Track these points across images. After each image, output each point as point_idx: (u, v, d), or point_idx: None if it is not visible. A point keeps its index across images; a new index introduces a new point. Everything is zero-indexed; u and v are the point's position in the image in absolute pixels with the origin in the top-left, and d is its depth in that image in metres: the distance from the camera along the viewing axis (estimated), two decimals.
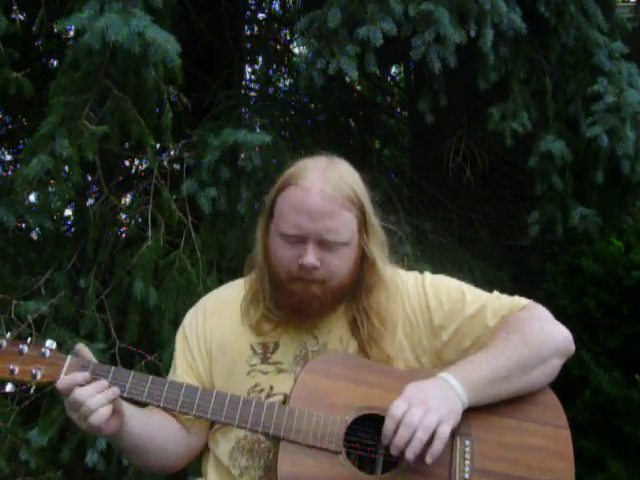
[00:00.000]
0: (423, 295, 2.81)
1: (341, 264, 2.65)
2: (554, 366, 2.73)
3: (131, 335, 4.35)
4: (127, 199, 5.19)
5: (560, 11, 4.88)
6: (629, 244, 5.79)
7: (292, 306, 2.70)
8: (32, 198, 4.33)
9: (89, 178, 4.60)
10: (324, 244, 2.61)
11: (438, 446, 2.47)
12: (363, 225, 2.70)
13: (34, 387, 2.51)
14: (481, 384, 2.60)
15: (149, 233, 4.41)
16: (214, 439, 2.83)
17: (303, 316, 2.73)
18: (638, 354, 5.29)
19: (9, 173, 6.10)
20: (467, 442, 2.60)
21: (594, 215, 5.14)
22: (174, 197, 4.57)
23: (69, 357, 2.54)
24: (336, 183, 2.64)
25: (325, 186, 2.62)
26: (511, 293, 2.86)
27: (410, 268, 3.53)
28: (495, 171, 6.48)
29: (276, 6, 7.87)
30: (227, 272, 4.44)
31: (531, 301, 2.83)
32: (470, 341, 2.75)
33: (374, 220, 2.76)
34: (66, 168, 4.01)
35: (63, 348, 3.94)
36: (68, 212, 5.11)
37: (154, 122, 4.18)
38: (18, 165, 6.61)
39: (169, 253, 4.51)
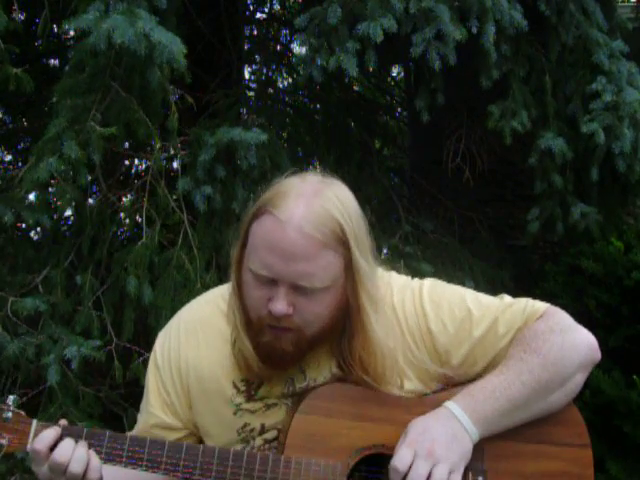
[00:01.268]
0: (423, 317, 2.48)
1: (320, 311, 2.31)
2: (577, 382, 2.48)
3: (128, 332, 4.33)
4: (125, 197, 5.16)
5: (560, 10, 4.87)
6: (629, 244, 5.79)
7: (262, 359, 2.37)
8: (31, 197, 4.34)
9: (88, 178, 4.57)
10: (298, 289, 2.26)
11: None
12: (350, 263, 2.32)
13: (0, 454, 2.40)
14: (493, 416, 2.38)
15: (144, 231, 4.38)
16: None
17: (280, 368, 2.41)
18: (638, 354, 5.29)
19: (12, 172, 6.06)
20: (480, 478, 2.41)
21: (595, 213, 5.11)
22: (174, 197, 4.56)
23: (34, 421, 2.31)
24: (319, 218, 2.25)
25: (304, 222, 2.23)
26: (512, 293, 2.67)
27: (411, 268, 3.47)
28: (495, 171, 6.48)
29: (276, 6, 7.88)
30: (224, 270, 4.43)
31: (549, 306, 2.52)
32: (483, 363, 2.48)
33: (364, 255, 2.38)
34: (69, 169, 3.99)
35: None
36: (68, 212, 5.09)
37: (159, 122, 4.17)
38: (19, 165, 6.63)
39: (166, 250, 4.48)
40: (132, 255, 4.30)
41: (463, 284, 2.80)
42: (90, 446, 2.29)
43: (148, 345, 4.22)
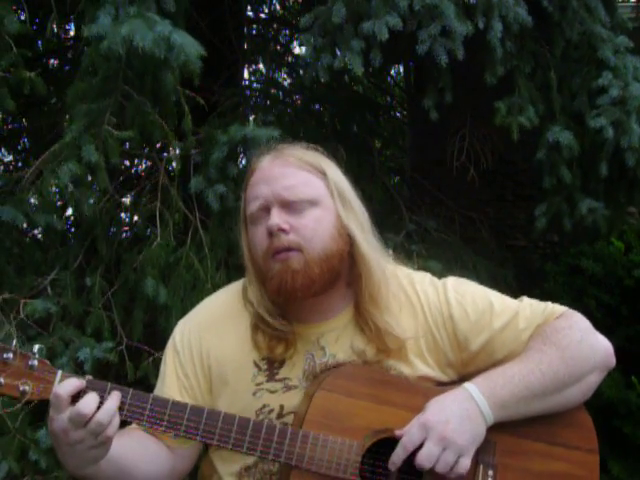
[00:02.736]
0: (445, 304, 2.57)
1: (315, 227, 2.43)
2: (591, 383, 2.53)
3: (138, 333, 4.31)
4: (134, 197, 5.13)
5: (563, 6, 4.85)
6: (629, 244, 5.81)
7: (276, 291, 2.42)
8: (32, 200, 4.31)
9: (89, 178, 4.54)
10: (288, 206, 2.43)
11: (453, 478, 2.36)
12: (335, 193, 2.51)
13: (23, 402, 2.35)
14: (510, 401, 2.42)
15: (158, 231, 4.35)
16: (219, 455, 2.61)
17: (292, 299, 2.44)
18: (638, 355, 5.28)
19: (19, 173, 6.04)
20: (490, 472, 2.45)
21: (602, 208, 5.06)
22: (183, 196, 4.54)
23: (59, 372, 2.28)
24: (291, 152, 2.56)
25: (276, 156, 2.54)
26: (515, 292, 2.73)
27: (418, 265, 3.46)
28: (495, 171, 6.48)
29: (276, 6, 7.89)
30: (235, 269, 4.40)
31: (568, 309, 2.61)
32: (502, 355, 2.52)
33: (349, 195, 2.56)
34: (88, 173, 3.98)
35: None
36: (69, 212, 5.07)
37: (174, 124, 4.16)
38: (19, 165, 6.61)
39: (176, 250, 4.44)
40: (147, 256, 4.27)
41: None
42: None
43: (158, 345, 4.20)
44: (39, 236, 5.05)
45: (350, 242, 2.50)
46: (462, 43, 4.32)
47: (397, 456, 2.35)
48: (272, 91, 7.00)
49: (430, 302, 2.58)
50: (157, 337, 4.25)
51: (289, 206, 2.43)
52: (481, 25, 4.37)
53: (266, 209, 2.44)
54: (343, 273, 2.54)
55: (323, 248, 2.43)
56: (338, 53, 4.39)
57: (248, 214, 2.51)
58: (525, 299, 2.64)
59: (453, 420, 2.35)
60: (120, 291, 4.41)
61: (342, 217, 2.49)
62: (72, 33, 6.24)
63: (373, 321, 2.51)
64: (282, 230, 2.40)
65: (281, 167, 2.49)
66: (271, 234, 2.41)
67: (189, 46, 3.74)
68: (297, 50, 7.70)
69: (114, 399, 2.24)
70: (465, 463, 2.35)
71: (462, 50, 4.33)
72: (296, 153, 2.54)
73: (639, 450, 5.09)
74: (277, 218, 2.40)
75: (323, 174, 2.51)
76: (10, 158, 7.00)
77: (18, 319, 3.92)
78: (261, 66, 7.81)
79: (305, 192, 2.45)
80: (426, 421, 2.35)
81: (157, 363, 4.10)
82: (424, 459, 2.31)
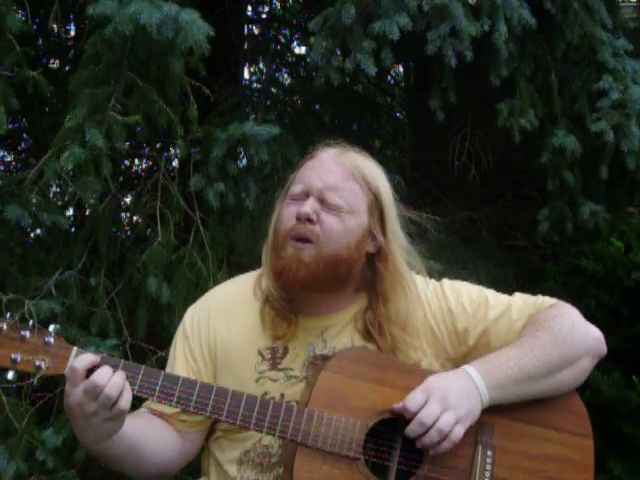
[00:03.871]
0: (444, 300, 2.73)
1: (339, 228, 2.55)
2: (584, 368, 2.67)
3: (142, 331, 4.32)
4: (136, 197, 5.12)
5: (564, 8, 4.86)
6: (629, 244, 5.80)
7: (279, 273, 2.57)
8: (33, 199, 4.29)
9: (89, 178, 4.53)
10: (325, 203, 2.57)
11: (447, 446, 2.44)
12: (377, 212, 2.65)
13: (38, 377, 2.37)
14: (506, 383, 2.54)
15: (159, 230, 4.35)
16: (218, 444, 2.72)
17: (290, 287, 2.58)
18: (638, 355, 5.29)
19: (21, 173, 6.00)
20: (489, 452, 2.55)
21: (603, 211, 5.09)
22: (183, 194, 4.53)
23: (75, 348, 2.39)
24: (353, 158, 2.67)
25: (339, 156, 2.67)
26: (515, 291, 2.80)
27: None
28: (495, 171, 6.48)
29: (277, 5, 7.91)
30: (237, 267, 4.41)
31: (558, 300, 2.76)
32: (497, 345, 2.67)
33: (393, 218, 2.71)
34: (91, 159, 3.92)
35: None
36: (69, 212, 5.05)
37: (180, 113, 4.17)
38: (19, 165, 6.60)
39: (178, 249, 4.46)
40: (149, 255, 4.27)
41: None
42: (126, 377, 2.36)
43: (161, 344, 4.22)
44: (42, 236, 5.04)
45: (370, 259, 2.66)
46: (470, 44, 4.33)
47: (407, 411, 2.44)
48: (272, 90, 7.02)
49: (429, 299, 2.74)
50: (161, 336, 4.27)
51: (325, 203, 2.57)
52: (486, 27, 4.39)
53: (305, 195, 2.59)
54: (351, 281, 2.68)
55: (335, 250, 2.55)
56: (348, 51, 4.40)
57: (290, 191, 2.66)
58: (517, 294, 2.79)
59: (453, 390, 2.46)
60: (124, 291, 4.42)
61: (378, 234, 2.64)
62: (73, 33, 6.23)
63: (392, 336, 2.65)
64: (309, 220, 2.54)
65: (337, 166, 2.63)
66: (299, 219, 2.55)
67: (198, 25, 3.77)
68: (297, 50, 7.78)
69: (120, 374, 2.33)
70: (460, 431, 2.45)
71: (471, 51, 4.35)
72: (357, 162, 2.68)
73: (639, 450, 5.09)
74: (309, 207, 2.55)
75: (374, 194, 2.64)
76: (11, 158, 6.99)
77: (18, 318, 3.90)
78: (261, 65, 7.84)
79: (345, 200, 2.58)
80: (427, 387, 2.47)
81: (161, 362, 4.12)
82: (425, 416, 2.41)
